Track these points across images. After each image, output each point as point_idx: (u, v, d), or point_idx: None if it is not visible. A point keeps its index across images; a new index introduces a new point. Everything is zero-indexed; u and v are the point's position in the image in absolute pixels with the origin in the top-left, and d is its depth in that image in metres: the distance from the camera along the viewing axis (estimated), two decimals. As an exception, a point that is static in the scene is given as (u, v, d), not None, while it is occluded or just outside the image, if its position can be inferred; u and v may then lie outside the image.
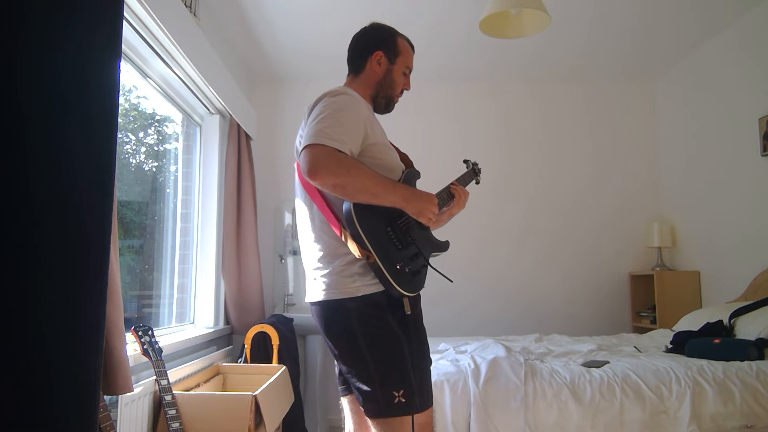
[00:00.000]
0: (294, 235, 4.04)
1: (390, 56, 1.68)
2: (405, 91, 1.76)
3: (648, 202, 4.15)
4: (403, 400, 1.41)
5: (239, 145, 3.40)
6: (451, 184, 1.77)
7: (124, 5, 1.90)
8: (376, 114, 1.71)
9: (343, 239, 1.48)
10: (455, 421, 2.04)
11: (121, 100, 2.42)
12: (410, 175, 1.65)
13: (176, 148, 3.15)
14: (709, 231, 3.59)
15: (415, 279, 1.52)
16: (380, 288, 1.46)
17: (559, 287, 4.05)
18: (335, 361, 1.59)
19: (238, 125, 3.37)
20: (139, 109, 2.74)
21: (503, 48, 3.59)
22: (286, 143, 4.15)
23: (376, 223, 1.47)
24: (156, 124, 2.93)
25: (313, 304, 1.54)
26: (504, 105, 4.23)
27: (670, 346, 2.67)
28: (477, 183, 1.99)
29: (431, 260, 1.63)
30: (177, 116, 3.10)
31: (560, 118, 4.22)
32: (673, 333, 2.76)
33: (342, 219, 1.47)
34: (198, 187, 3.27)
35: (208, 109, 3.22)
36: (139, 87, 2.60)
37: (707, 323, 2.74)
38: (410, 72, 1.74)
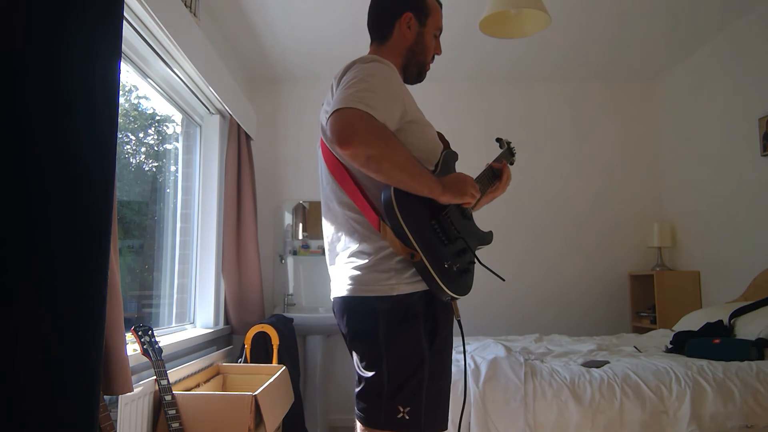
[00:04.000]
0: (294, 235, 4.04)
1: (420, 18, 1.49)
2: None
3: (648, 202, 4.15)
4: (407, 418, 1.27)
5: (239, 145, 3.41)
6: (492, 163, 1.62)
7: (124, 5, 1.90)
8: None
9: (381, 234, 1.29)
10: (455, 421, 2.04)
11: (121, 100, 2.42)
12: (449, 156, 1.46)
13: (176, 148, 3.15)
14: (709, 231, 3.59)
15: (463, 278, 1.35)
16: (419, 287, 1.29)
17: (559, 287, 4.05)
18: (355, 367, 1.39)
19: (238, 125, 3.37)
20: (139, 109, 2.74)
21: (502, 48, 3.59)
22: (286, 143, 4.15)
23: (420, 216, 1.28)
24: (156, 124, 2.93)
25: (336, 298, 1.38)
26: (502, 106, 4.23)
27: (670, 346, 2.67)
28: (511, 164, 1.75)
29: None
30: (177, 116, 3.10)
31: (559, 119, 4.22)
32: (673, 333, 2.76)
33: (381, 211, 1.28)
34: (198, 187, 3.27)
35: (208, 109, 3.22)
36: (139, 87, 2.60)
37: (707, 323, 2.74)
38: (440, 33, 1.55)
